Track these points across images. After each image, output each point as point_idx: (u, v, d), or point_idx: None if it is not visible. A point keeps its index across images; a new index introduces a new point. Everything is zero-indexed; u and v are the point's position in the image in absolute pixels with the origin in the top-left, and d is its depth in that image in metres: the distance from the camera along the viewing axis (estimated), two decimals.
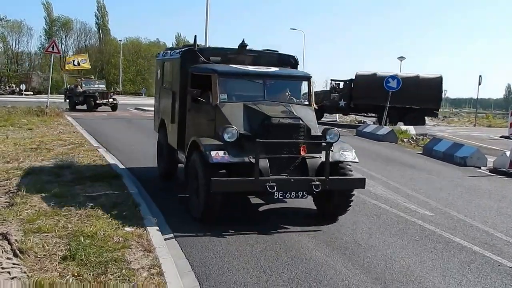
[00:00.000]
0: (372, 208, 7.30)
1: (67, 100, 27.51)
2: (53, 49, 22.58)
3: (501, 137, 20.57)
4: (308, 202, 7.30)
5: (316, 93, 27.19)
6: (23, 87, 50.51)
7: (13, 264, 4.13)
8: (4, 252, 4.26)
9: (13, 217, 5.48)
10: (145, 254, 4.75)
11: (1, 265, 4.06)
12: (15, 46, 70.07)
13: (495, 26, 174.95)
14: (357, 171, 10.27)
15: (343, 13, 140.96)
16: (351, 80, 25.90)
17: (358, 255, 5.22)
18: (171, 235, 5.58)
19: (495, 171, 11.54)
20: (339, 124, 25.70)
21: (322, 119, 25.86)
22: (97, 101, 25.42)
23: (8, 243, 4.42)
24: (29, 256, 4.39)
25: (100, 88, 27.14)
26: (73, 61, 31.09)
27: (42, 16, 77.58)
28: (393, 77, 18.98)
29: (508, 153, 11.58)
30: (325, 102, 25.22)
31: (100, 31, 79.29)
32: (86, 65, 31.51)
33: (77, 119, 18.99)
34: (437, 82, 23.12)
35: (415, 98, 23.03)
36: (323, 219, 6.47)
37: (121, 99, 34.24)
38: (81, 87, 26.36)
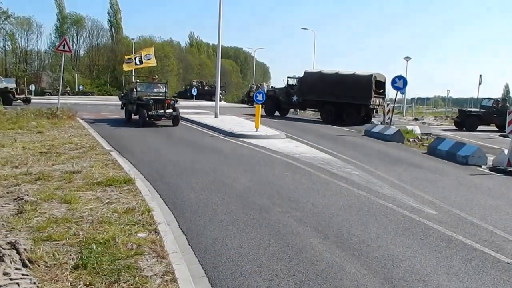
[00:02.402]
0: (380, 208, 7.42)
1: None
2: (64, 48, 21.18)
3: (500, 135, 20.87)
4: (315, 205, 7.35)
5: (276, 89, 29.55)
6: (32, 87, 49.77)
7: (22, 275, 3.99)
8: (12, 262, 4.12)
9: (22, 225, 5.36)
10: (159, 261, 4.64)
11: (10, 276, 3.92)
12: (24, 44, 68.70)
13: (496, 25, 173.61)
14: (365, 172, 10.46)
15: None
16: (300, 77, 27.31)
17: (366, 256, 5.28)
18: (185, 240, 5.51)
19: (494, 169, 12.03)
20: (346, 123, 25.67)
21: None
22: (151, 112, 18.22)
23: (17, 253, 4.28)
24: (39, 265, 4.27)
25: (160, 94, 19.36)
26: (135, 58, 24.20)
27: (51, 12, 76.77)
28: (400, 77, 18.97)
29: (506, 152, 12.07)
30: (281, 98, 27.25)
31: (113, 29, 78.90)
32: (152, 62, 24.84)
33: (89, 123, 18.92)
34: (368, 80, 24.20)
35: (350, 95, 24.16)
36: (333, 221, 6.54)
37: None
38: (136, 92, 19.28)
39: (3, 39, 65.71)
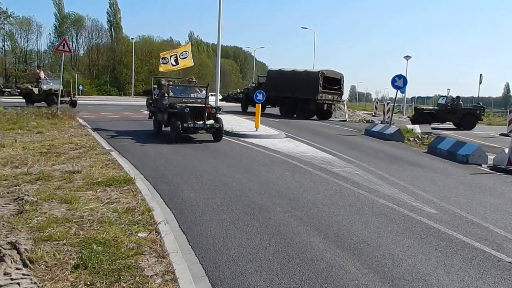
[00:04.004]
0: (381, 207, 7.40)
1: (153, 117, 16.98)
2: (63, 48, 20.94)
3: (500, 134, 21.01)
4: (315, 204, 7.34)
5: (250, 88, 31.66)
6: None
7: (23, 274, 3.99)
8: (13, 262, 4.11)
9: (22, 225, 5.35)
10: (159, 260, 4.63)
11: (10, 276, 3.92)
12: (24, 44, 68.80)
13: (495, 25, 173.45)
14: (365, 171, 10.45)
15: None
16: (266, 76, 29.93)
17: (367, 255, 5.27)
18: (185, 240, 5.51)
19: (495, 168, 11.99)
20: (348, 123, 25.87)
21: (331, 118, 27.04)
22: (187, 124, 13.89)
23: (18, 253, 4.27)
24: (39, 265, 4.26)
25: (199, 100, 15.20)
26: (170, 57, 20.13)
27: (51, 12, 76.60)
28: (400, 76, 18.92)
29: (507, 151, 12.02)
30: (251, 95, 28.85)
31: (112, 29, 78.86)
32: (188, 62, 20.36)
33: (89, 121, 18.91)
34: (315, 77, 26.56)
35: (302, 90, 26.61)
36: (333, 220, 6.52)
37: (133, 100, 34.28)
38: (168, 97, 15.14)
39: (2, 39, 65.77)
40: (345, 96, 33.26)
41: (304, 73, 27.90)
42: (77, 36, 75.32)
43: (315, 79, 26.39)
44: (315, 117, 28.01)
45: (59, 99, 25.47)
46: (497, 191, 9.21)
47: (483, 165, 12.49)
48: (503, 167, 11.73)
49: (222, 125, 14.53)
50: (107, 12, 78.46)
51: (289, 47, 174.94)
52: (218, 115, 14.97)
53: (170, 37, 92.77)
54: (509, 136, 18.90)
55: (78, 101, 30.38)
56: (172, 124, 14.21)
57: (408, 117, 31.72)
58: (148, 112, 17.74)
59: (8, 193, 6.80)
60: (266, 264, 4.84)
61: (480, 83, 30.88)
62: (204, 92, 15.66)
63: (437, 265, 5.07)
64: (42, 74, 29.46)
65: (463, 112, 25.57)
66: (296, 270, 4.74)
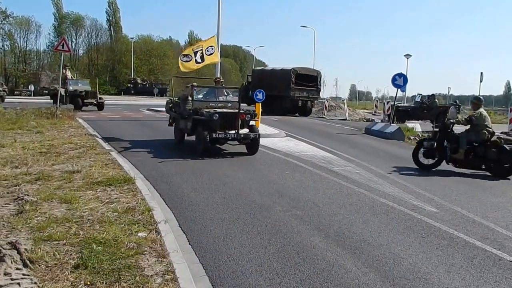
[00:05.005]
0: (381, 206, 7.39)
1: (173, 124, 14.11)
2: (63, 47, 20.68)
3: (501, 133, 20.86)
4: (315, 203, 7.33)
5: (241, 87, 31.93)
6: (31, 87, 48.69)
7: (23, 275, 3.98)
8: (13, 262, 4.11)
9: (22, 225, 5.34)
10: (159, 260, 4.63)
11: (11, 276, 3.92)
12: (23, 44, 68.52)
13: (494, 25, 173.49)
14: (366, 170, 10.44)
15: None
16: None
17: (367, 254, 5.26)
18: (185, 239, 5.50)
19: None
20: (348, 122, 25.90)
21: (331, 117, 27.53)
22: (216, 134, 11.39)
23: (18, 253, 4.26)
24: (39, 265, 4.26)
25: (229, 105, 12.73)
26: (195, 53, 16.19)
27: (51, 12, 76.41)
28: (400, 74, 18.90)
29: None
30: (243, 94, 29.43)
31: (112, 28, 78.77)
32: (215, 58, 16.91)
33: (88, 121, 18.87)
34: (287, 74, 27.62)
35: (277, 88, 27.12)
36: (334, 219, 6.53)
37: (132, 100, 34.16)
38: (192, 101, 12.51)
39: (2, 39, 65.71)
40: (345, 94, 33.77)
41: (279, 71, 29.07)
42: (76, 35, 75.15)
43: (288, 76, 27.43)
44: (313, 115, 28.31)
45: (85, 101, 25.09)
46: (498, 190, 9.18)
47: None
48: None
49: (259, 134, 12.06)
50: (106, 12, 78.42)
51: (288, 46, 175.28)
52: (252, 122, 12.52)
53: (170, 36, 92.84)
54: (510, 135, 18.94)
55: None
56: (198, 133, 11.75)
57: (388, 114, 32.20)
58: (168, 119, 14.76)
59: (8, 193, 6.79)
60: (266, 264, 4.84)
61: (481, 81, 30.88)
62: (237, 95, 13.10)
63: (438, 264, 5.06)
64: (69, 74, 27.66)
65: (438, 110, 25.69)
66: (297, 269, 4.73)
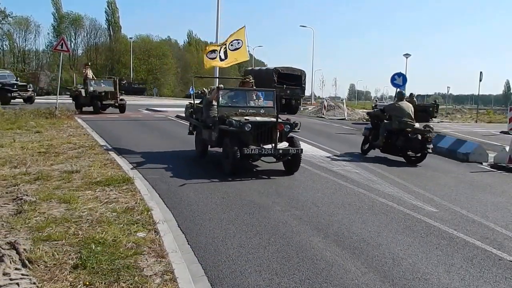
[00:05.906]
0: (380, 206, 7.38)
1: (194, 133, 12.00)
2: (62, 47, 20.55)
3: (501, 132, 20.94)
4: (315, 203, 7.33)
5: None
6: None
7: (22, 275, 3.98)
8: (12, 262, 4.10)
9: (21, 225, 5.34)
10: (158, 260, 4.63)
11: (9, 276, 3.91)
12: (22, 44, 68.55)
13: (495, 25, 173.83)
14: (365, 170, 10.44)
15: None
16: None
17: (367, 254, 5.26)
18: (184, 239, 5.49)
19: (495, 166, 11.92)
20: (347, 121, 25.94)
21: (331, 117, 27.76)
22: (248, 150, 9.01)
23: (17, 253, 4.26)
24: (38, 266, 4.26)
25: (262, 111, 10.33)
26: (220, 49, 13.57)
27: (49, 11, 76.34)
28: (399, 74, 18.97)
29: (507, 148, 12.01)
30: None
31: (111, 28, 78.72)
32: (242, 55, 13.78)
33: (87, 121, 18.83)
34: (269, 73, 29.71)
35: (262, 87, 27.30)
36: (333, 219, 6.54)
37: (131, 100, 34.03)
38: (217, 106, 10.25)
39: (1, 39, 65.64)
40: (344, 94, 34.43)
41: (264, 71, 31.06)
42: (75, 35, 75.16)
43: (270, 76, 29.07)
44: (312, 115, 28.54)
45: (104, 102, 22.69)
46: (497, 190, 9.18)
47: (483, 163, 12.43)
48: (504, 165, 11.68)
49: (301, 149, 9.55)
50: (105, 11, 78.38)
51: (288, 45, 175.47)
52: (292, 134, 9.93)
53: (169, 36, 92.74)
54: (509, 134, 18.98)
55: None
56: (226, 147, 9.40)
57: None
58: (188, 127, 12.53)
59: (7, 193, 6.78)
60: (265, 264, 4.83)
61: (480, 80, 30.95)
62: (269, 99, 10.94)
63: (437, 264, 5.06)
64: (90, 74, 24.73)
65: (416, 109, 25.97)
66: (296, 269, 4.73)
